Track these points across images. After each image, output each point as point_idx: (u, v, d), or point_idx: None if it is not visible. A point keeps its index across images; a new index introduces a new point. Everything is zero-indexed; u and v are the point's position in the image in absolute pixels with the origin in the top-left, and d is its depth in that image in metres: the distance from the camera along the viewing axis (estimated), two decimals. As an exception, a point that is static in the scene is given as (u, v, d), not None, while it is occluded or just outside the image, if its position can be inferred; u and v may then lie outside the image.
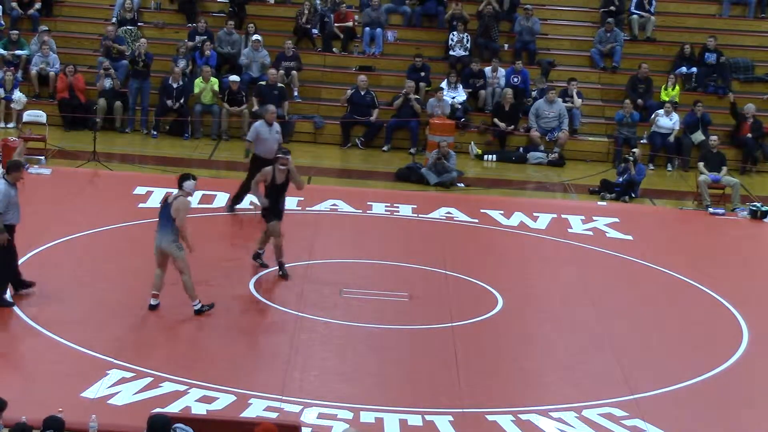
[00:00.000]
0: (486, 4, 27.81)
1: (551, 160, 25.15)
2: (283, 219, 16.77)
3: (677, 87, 26.59)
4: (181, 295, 15.19)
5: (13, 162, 15.50)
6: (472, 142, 25.50)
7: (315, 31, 27.99)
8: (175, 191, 14.90)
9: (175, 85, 25.19)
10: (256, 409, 12.29)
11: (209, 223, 19.21)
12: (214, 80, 25.64)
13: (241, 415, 11.95)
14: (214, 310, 15.05)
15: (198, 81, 25.51)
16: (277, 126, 19.39)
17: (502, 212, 20.81)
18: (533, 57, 27.86)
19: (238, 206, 19.84)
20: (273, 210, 16.62)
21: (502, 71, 26.83)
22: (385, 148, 25.53)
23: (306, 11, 27.80)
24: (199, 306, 14.85)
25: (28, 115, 24.36)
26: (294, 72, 26.43)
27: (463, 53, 27.35)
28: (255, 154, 19.08)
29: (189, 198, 14.91)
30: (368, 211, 20.52)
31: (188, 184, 14.89)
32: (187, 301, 15.12)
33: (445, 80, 26.26)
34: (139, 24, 27.72)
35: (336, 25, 27.85)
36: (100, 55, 26.39)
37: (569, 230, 20.15)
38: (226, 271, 16.75)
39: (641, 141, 25.46)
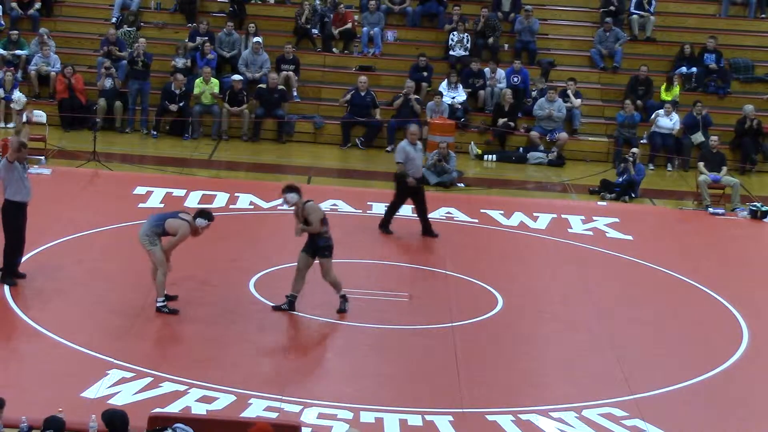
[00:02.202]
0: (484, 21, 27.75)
1: (551, 159, 25.15)
2: (319, 256, 15.25)
3: (677, 86, 26.58)
4: (181, 296, 15.21)
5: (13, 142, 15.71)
6: (472, 142, 25.50)
7: (315, 31, 27.99)
8: (184, 214, 14.99)
9: (177, 92, 25.18)
10: (256, 409, 12.29)
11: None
12: (215, 81, 25.63)
13: (241, 415, 11.95)
14: (215, 311, 15.06)
15: (198, 81, 25.50)
16: (419, 144, 19.25)
17: (502, 212, 20.80)
18: (533, 57, 27.86)
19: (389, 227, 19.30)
20: (307, 244, 15.44)
21: (501, 72, 26.83)
22: (389, 148, 25.49)
23: (306, 11, 27.81)
24: (162, 304, 14.80)
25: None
26: (291, 74, 26.39)
27: (463, 53, 27.36)
28: (402, 174, 18.88)
29: (190, 230, 14.89)
30: (368, 211, 20.52)
31: (200, 221, 14.92)
32: (187, 300, 15.14)
33: (445, 80, 26.27)
34: (141, 24, 27.70)
35: (335, 30, 27.79)
36: (100, 55, 26.38)
37: (569, 230, 20.15)
38: (226, 271, 16.75)
39: (641, 141, 25.46)
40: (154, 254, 14.72)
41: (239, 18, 27.90)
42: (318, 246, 15.17)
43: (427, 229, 19.05)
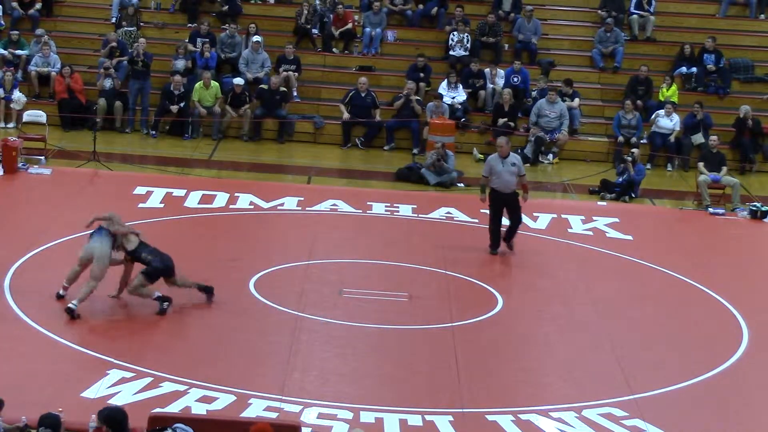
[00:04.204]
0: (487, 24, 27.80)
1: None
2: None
3: (673, 87, 26.58)
4: (182, 295, 15.22)
5: None
6: (475, 149, 25.47)
7: (315, 31, 27.99)
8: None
9: (176, 92, 25.18)
10: (256, 409, 12.29)
11: (209, 223, 19.22)
12: (215, 85, 25.58)
13: (241, 415, 11.95)
14: (214, 311, 15.06)
15: (198, 86, 25.43)
16: (513, 158, 18.42)
17: (502, 212, 20.79)
18: (534, 57, 27.86)
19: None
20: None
21: (500, 72, 26.83)
22: (386, 147, 25.54)
23: (306, 11, 27.81)
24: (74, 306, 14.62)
25: (28, 115, 24.37)
26: (291, 74, 26.39)
27: (463, 53, 27.36)
28: (491, 188, 18.49)
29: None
30: (368, 211, 20.52)
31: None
32: (188, 300, 15.15)
33: (445, 80, 26.26)
34: (140, 24, 27.70)
35: (335, 30, 27.78)
36: (101, 55, 26.37)
37: (569, 230, 20.15)
38: (226, 271, 16.74)
39: (641, 141, 25.45)
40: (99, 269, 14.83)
41: (232, 16, 27.80)
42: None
43: (508, 238, 18.45)
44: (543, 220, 20.49)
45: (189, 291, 15.34)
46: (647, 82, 26.68)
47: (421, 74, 26.57)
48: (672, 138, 25.38)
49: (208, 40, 26.64)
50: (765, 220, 21.58)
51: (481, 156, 25.26)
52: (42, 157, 22.49)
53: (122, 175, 21.94)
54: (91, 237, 14.87)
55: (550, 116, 25.54)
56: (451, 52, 27.49)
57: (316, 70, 27.52)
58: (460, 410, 12.67)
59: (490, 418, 12.59)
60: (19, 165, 21.43)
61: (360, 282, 16.70)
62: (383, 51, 28.03)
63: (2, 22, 27.50)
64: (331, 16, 28.06)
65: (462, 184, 23.16)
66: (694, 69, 27.38)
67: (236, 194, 20.74)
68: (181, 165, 23.21)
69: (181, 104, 25.20)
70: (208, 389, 12.67)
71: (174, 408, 12.07)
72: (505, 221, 18.51)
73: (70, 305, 14.52)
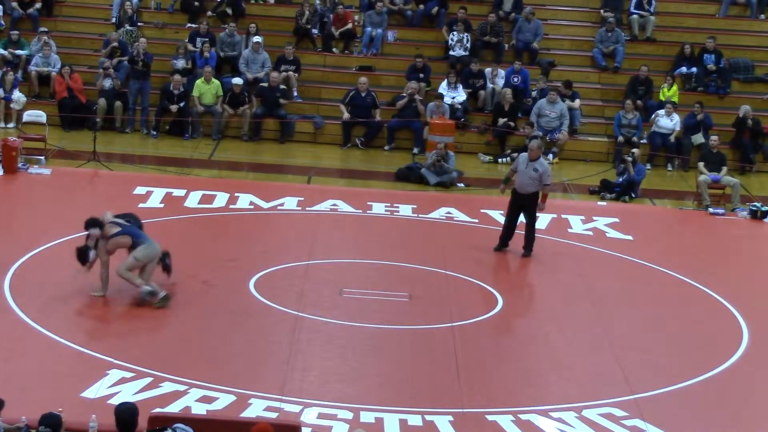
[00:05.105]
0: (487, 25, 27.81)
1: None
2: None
3: (674, 87, 26.59)
4: (182, 295, 15.21)
5: None
6: (481, 153, 25.44)
7: (315, 31, 27.99)
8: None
9: (176, 92, 25.18)
10: (256, 409, 12.28)
11: (209, 223, 19.21)
12: (216, 82, 25.59)
13: (241, 415, 11.95)
14: (214, 311, 15.06)
15: (199, 82, 25.47)
16: (538, 165, 17.99)
17: (502, 212, 20.74)
18: (534, 57, 27.85)
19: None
20: None
21: (501, 72, 26.83)
22: (386, 147, 25.54)
23: (306, 11, 27.81)
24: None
25: (28, 115, 24.37)
26: (291, 74, 26.39)
27: (463, 53, 27.36)
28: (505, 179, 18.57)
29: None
30: (368, 211, 20.52)
31: (93, 231, 15.14)
32: (188, 300, 15.15)
33: (445, 80, 26.27)
34: (139, 24, 27.72)
35: (335, 30, 27.78)
36: (102, 55, 26.37)
37: (569, 230, 20.15)
38: (226, 271, 16.74)
39: (641, 141, 25.46)
40: (128, 264, 15.15)
41: (233, 17, 27.82)
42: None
43: (527, 245, 18.34)
44: (543, 220, 20.44)
45: (188, 290, 15.35)
46: (647, 82, 26.69)
47: (421, 75, 26.57)
48: (672, 138, 25.39)
49: (207, 39, 26.65)
50: (765, 220, 21.59)
51: (490, 157, 25.26)
52: (42, 157, 22.49)
53: (122, 175, 21.95)
54: (139, 240, 15.03)
55: (550, 116, 25.56)
56: (451, 52, 27.49)
57: (316, 70, 27.52)
58: (460, 410, 12.67)
59: (490, 418, 12.58)
60: (19, 165, 21.43)
61: (360, 282, 16.70)
62: (383, 51, 28.06)
63: (2, 22, 27.52)
64: (331, 16, 28.07)
65: (462, 184, 23.15)
66: (694, 69, 27.39)
67: (236, 194, 20.74)
68: (181, 165, 23.21)
69: (181, 104, 25.21)
70: (208, 389, 12.67)
71: (174, 408, 12.07)
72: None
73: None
